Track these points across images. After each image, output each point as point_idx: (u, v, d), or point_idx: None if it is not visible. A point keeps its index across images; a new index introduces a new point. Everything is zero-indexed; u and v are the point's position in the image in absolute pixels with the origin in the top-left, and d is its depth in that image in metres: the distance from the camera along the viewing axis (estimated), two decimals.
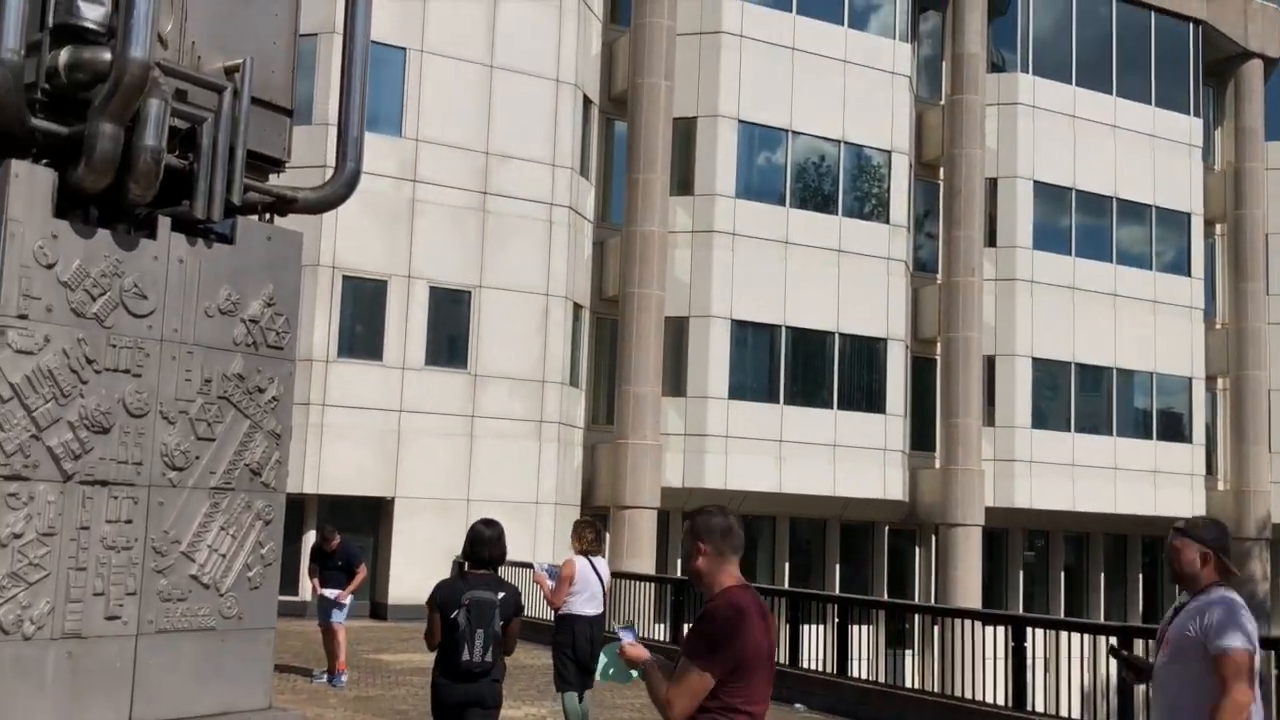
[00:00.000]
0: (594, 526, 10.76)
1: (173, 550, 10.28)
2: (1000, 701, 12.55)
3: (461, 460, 24.49)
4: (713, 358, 27.97)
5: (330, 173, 12.83)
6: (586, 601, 10.33)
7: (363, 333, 24.37)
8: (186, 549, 10.37)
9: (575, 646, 10.23)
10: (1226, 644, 4.53)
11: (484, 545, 7.30)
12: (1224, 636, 4.54)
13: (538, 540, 24.32)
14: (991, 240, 32.51)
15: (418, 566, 23.16)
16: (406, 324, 24.30)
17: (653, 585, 18.66)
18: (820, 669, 14.72)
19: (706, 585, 4.36)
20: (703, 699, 4.20)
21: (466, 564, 7.28)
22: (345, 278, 23.88)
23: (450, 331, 25.16)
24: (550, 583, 9.12)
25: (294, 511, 21.58)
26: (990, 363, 31.98)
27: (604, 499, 27.14)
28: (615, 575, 19.29)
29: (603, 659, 4.51)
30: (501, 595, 7.22)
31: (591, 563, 10.61)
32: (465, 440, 24.63)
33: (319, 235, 23.13)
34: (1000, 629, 13.86)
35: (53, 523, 9.51)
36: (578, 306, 27.00)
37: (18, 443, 9.35)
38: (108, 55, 9.52)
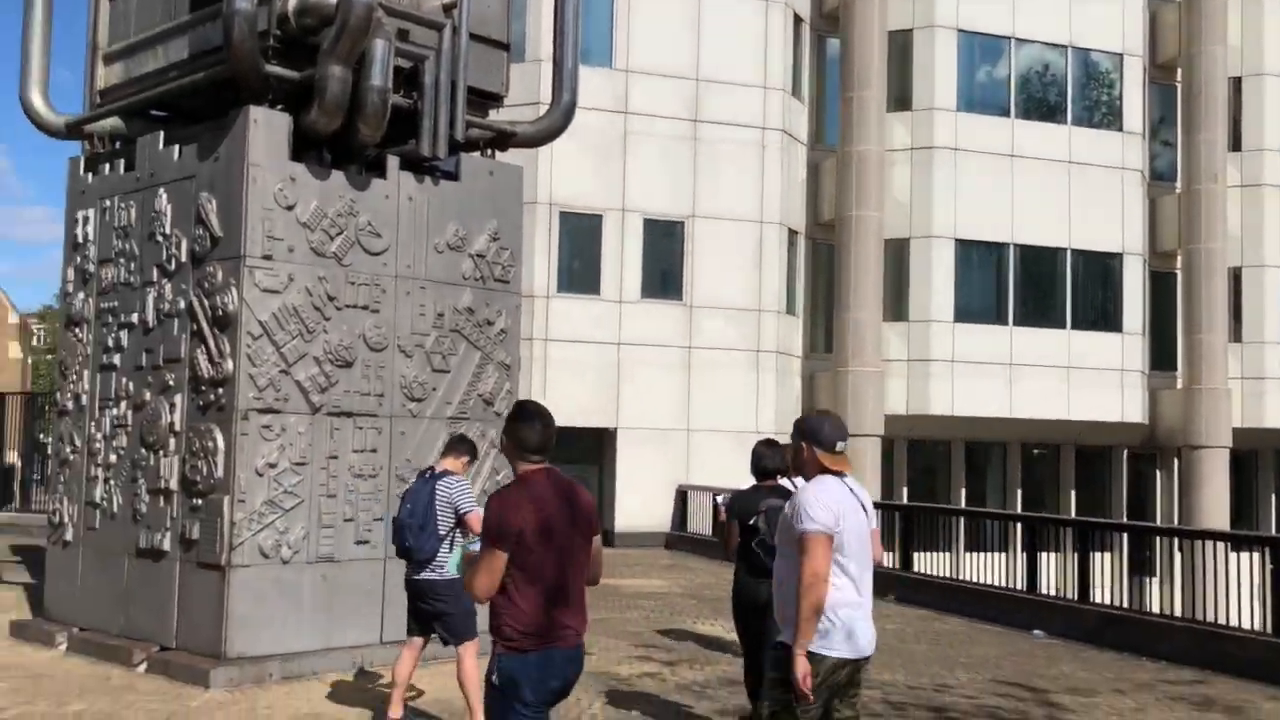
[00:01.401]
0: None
1: (415, 478, 10.64)
2: (1259, 627, 11.85)
3: (680, 391, 24.60)
4: (936, 280, 27.16)
5: (544, 109, 12.95)
6: None
7: (580, 268, 24.65)
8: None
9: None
10: (803, 526, 5.15)
11: (769, 459, 7.98)
12: (801, 521, 5.16)
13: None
14: (1236, 144, 30.34)
15: (640, 496, 23.48)
16: (622, 257, 24.45)
17: (878, 512, 18.35)
18: (1059, 595, 14.22)
19: (513, 471, 5.01)
20: (500, 575, 4.69)
21: (755, 477, 8.05)
22: (562, 214, 24.16)
23: (665, 263, 25.19)
24: (722, 500, 9.27)
25: None
26: (1236, 275, 30.01)
27: None
28: None
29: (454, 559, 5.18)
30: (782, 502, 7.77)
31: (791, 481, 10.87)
32: (683, 371, 24.72)
33: (535, 173, 23.44)
34: (1255, 553, 13.11)
35: (304, 453, 9.99)
36: (793, 232, 26.62)
37: (269, 378, 9.83)
38: (333, 0, 9.76)
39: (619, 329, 24.36)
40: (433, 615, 7.86)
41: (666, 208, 24.76)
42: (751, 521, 7.72)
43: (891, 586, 15.80)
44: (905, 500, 26.64)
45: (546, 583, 4.74)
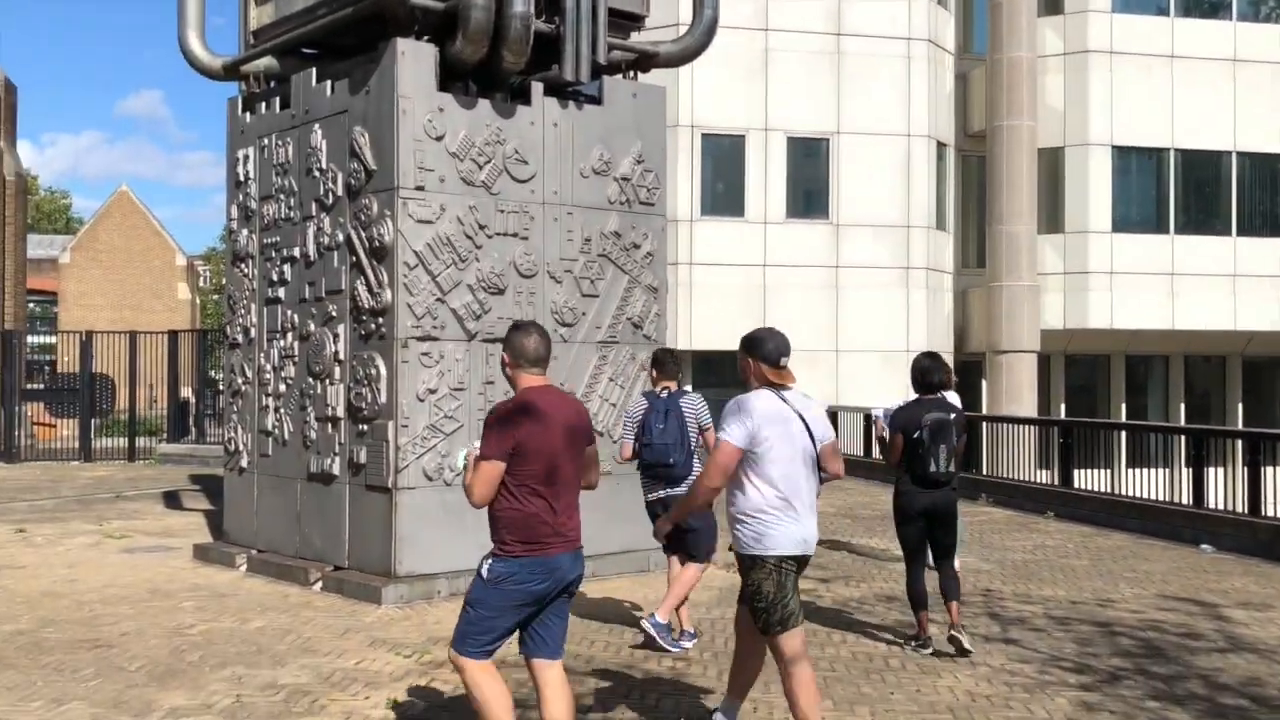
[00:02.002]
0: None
1: None
2: None
3: (828, 311, 24.38)
4: (1093, 189, 26.22)
5: (684, 29, 12.83)
6: None
7: (723, 190, 24.52)
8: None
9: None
10: (718, 434, 5.61)
11: (931, 373, 8.12)
12: (719, 428, 5.60)
13: (909, 390, 23.95)
14: None
15: None
16: (766, 177, 24.21)
17: (1035, 429, 17.99)
18: (1228, 509, 13.76)
19: (513, 389, 5.28)
20: (497, 483, 5.00)
21: (918, 391, 8.19)
22: (704, 136, 24.01)
23: (810, 182, 24.87)
24: (877, 413, 9.18)
25: None
26: None
27: (978, 344, 26.34)
28: (993, 420, 18.74)
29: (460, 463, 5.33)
30: (953, 415, 8.09)
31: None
32: (830, 291, 24.47)
33: (677, 95, 23.30)
34: None
35: (461, 378, 10.25)
36: (941, 145, 25.94)
37: (425, 306, 10.08)
38: None
39: (764, 250, 24.21)
40: (685, 532, 7.88)
41: (810, 125, 24.38)
42: (916, 434, 7.89)
43: (1050, 503, 15.52)
44: (1063, 416, 26.01)
45: (540, 492, 5.04)
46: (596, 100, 11.28)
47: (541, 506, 5.03)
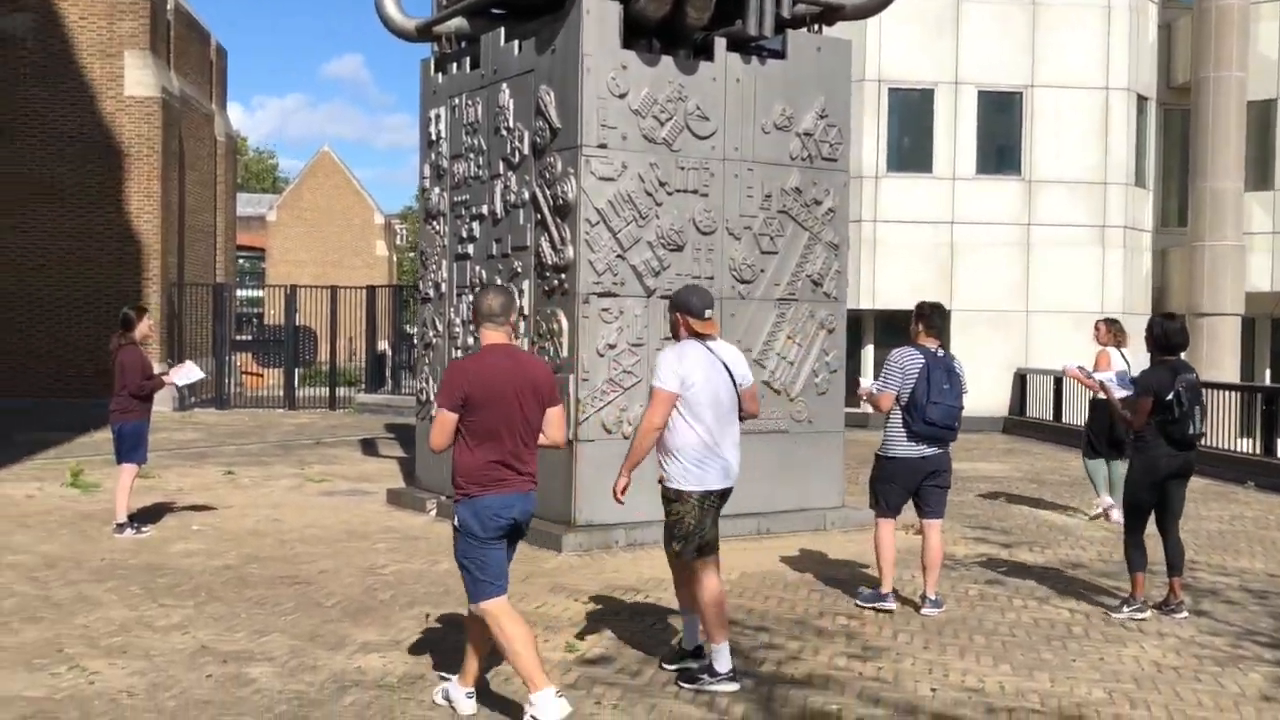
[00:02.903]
0: (1115, 323, 12.34)
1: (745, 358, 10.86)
2: None
3: (1018, 270, 23.66)
4: None
5: None
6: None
7: (910, 145, 23.98)
8: (757, 357, 10.93)
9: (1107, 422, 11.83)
10: (652, 383, 6.14)
11: (1177, 335, 8.02)
12: (654, 377, 6.13)
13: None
14: None
15: (976, 380, 22.78)
16: (955, 133, 23.57)
17: (1238, 395, 17.14)
18: None
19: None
20: (450, 431, 5.47)
21: (1158, 352, 8.01)
22: (891, 90, 23.51)
23: (1001, 137, 24.10)
24: (1120, 391, 8.77)
25: (851, 328, 22.05)
26: None
27: (1177, 307, 25.16)
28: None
29: None
30: (1196, 375, 8.10)
31: (1123, 355, 11.94)
32: (1021, 250, 23.72)
33: (863, 49, 22.87)
34: None
35: (640, 334, 10.39)
36: (1142, 98, 24.76)
37: (606, 262, 10.24)
38: None
39: (952, 208, 23.62)
40: (939, 487, 7.91)
41: (1002, 78, 23.60)
42: (1170, 396, 7.72)
43: (1250, 473, 14.80)
44: (1268, 382, 24.69)
45: (490, 440, 5.47)
46: (780, 55, 11.20)
47: (491, 452, 5.47)
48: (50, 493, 12.81)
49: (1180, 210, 26.03)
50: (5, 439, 17.64)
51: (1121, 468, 11.33)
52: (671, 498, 6.21)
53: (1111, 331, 12.09)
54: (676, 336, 6.29)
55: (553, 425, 5.70)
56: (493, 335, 5.64)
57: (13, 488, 13.09)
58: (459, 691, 5.73)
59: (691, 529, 6.17)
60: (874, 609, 7.89)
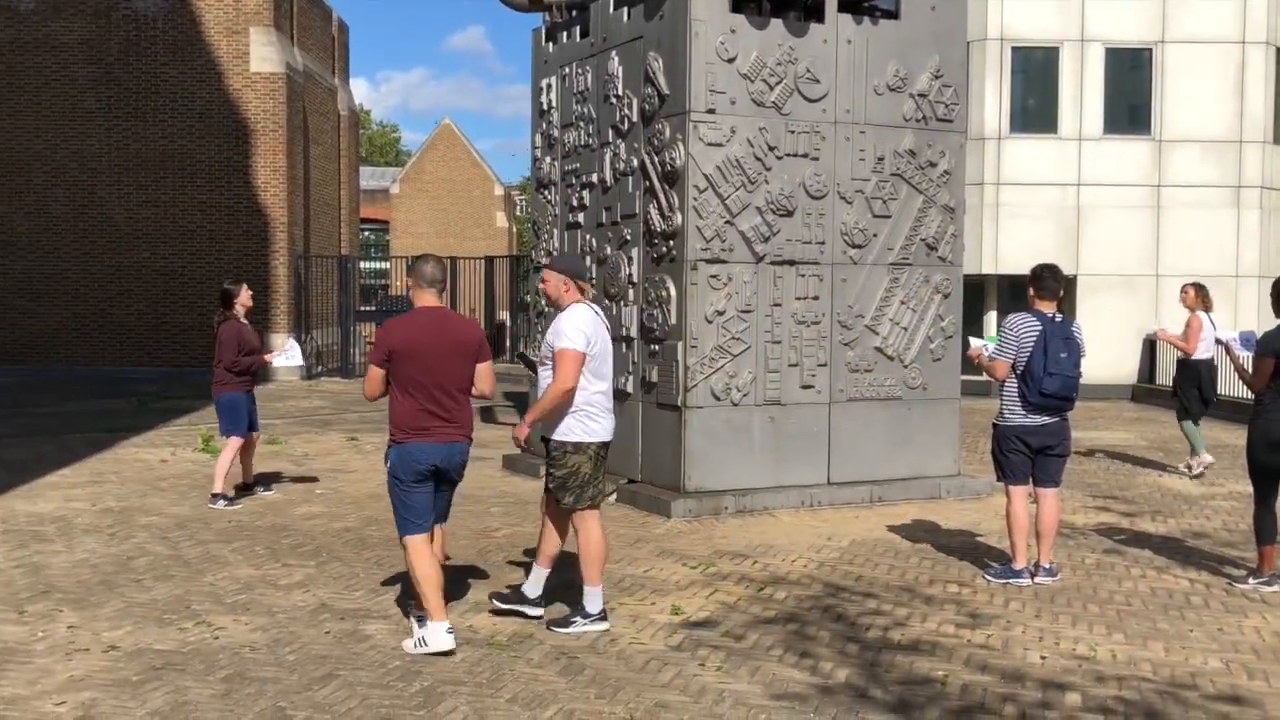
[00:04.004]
0: (1203, 288, 12.76)
1: (857, 324, 10.77)
2: None
3: (1148, 233, 22.90)
4: None
5: None
6: (1204, 350, 12.60)
7: (1035, 105, 23.34)
8: (870, 323, 10.81)
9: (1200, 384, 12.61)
10: (560, 345, 6.42)
11: None
12: (559, 340, 6.43)
13: (1239, 317, 22.27)
14: None
15: (1105, 346, 22.19)
16: (1081, 91, 22.86)
17: None
18: None
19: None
20: (378, 384, 6.21)
21: None
22: (1014, 49, 22.88)
23: (1130, 95, 23.30)
24: (1243, 353, 8.34)
25: (973, 293, 21.60)
26: None
27: None
28: None
29: None
30: None
31: (1210, 319, 12.47)
32: (1151, 212, 22.95)
33: (985, 7, 22.31)
34: None
35: (749, 301, 10.36)
36: None
37: (714, 229, 10.22)
38: None
39: (1079, 169, 22.95)
40: (1057, 456, 7.77)
41: (1131, 34, 22.80)
42: None
43: None
44: None
45: (417, 391, 6.12)
46: (893, 14, 10.99)
47: (416, 402, 6.12)
48: (182, 458, 13.32)
49: None
50: (143, 407, 18.39)
51: (1192, 428, 12.58)
52: (570, 450, 6.52)
53: (1200, 296, 12.63)
54: (559, 303, 6.66)
55: (482, 379, 6.34)
56: (426, 298, 6.29)
57: (149, 453, 13.65)
58: (436, 629, 6.11)
59: (587, 479, 6.55)
60: (1007, 584, 7.69)
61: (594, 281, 11.52)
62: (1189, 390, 12.63)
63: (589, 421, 6.55)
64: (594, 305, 6.76)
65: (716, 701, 5.45)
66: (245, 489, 10.81)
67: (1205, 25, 22.65)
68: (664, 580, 7.77)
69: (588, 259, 11.63)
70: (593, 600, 6.61)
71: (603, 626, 6.57)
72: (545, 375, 6.65)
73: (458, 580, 7.72)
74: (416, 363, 6.12)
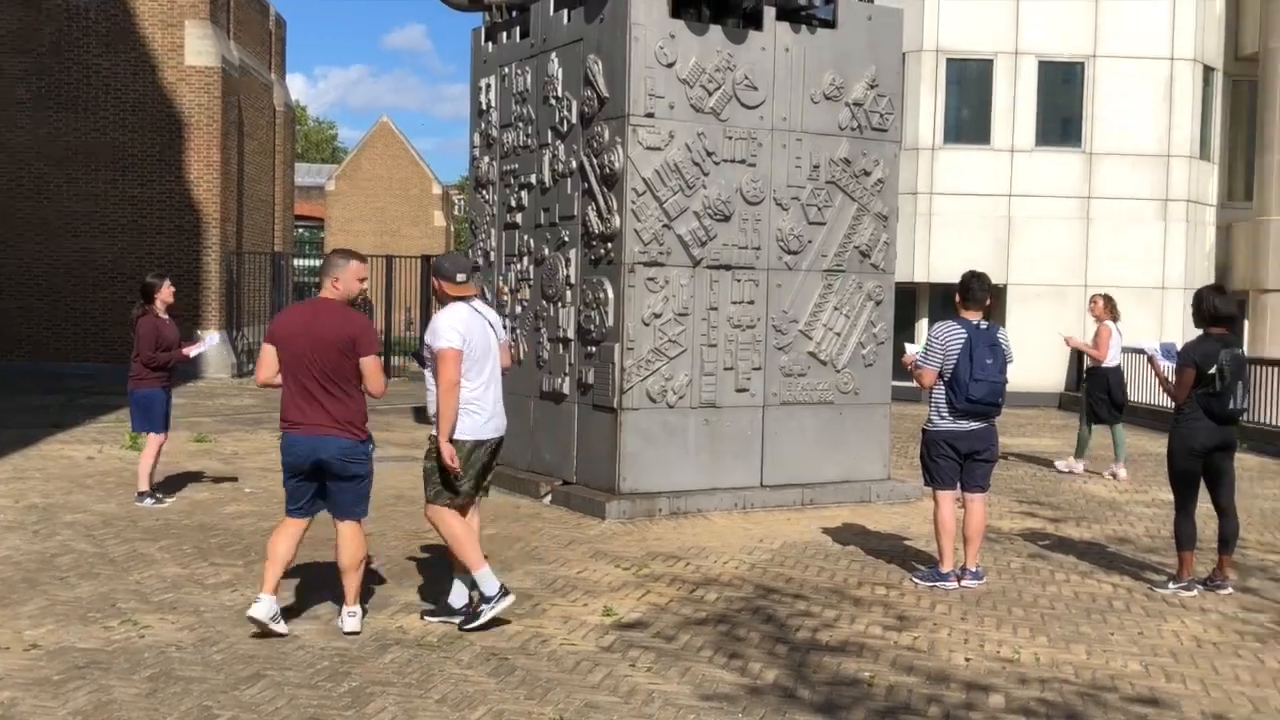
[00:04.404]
0: (1111, 299, 13.31)
1: (791, 329, 10.87)
2: None
3: (1077, 244, 23.34)
4: None
5: None
6: (1113, 358, 13.15)
7: (968, 116, 23.70)
8: (804, 328, 10.92)
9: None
10: (439, 345, 6.48)
11: (1224, 307, 7.88)
12: (437, 340, 6.49)
13: (1164, 328, 22.77)
14: None
15: (1034, 355, 22.60)
16: (1014, 104, 23.25)
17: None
18: None
19: None
20: (266, 364, 6.38)
21: (1205, 324, 7.89)
22: (949, 60, 23.22)
23: (1062, 108, 23.74)
24: (1165, 363, 8.49)
25: (905, 301, 21.87)
26: None
27: (1241, 282, 24.70)
28: (1254, 362, 17.62)
29: None
30: (1242, 350, 8.09)
31: (1118, 328, 13.10)
32: (1081, 223, 23.39)
33: (921, 19, 22.61)
34: None
35: (686, 304, 10.41)
36: (1208, 69, 24.26)
37: (652, 232, 10.26)
38: None
39: (1010, 180, 23.33)
40: (985, 461, 7.86)
41: (1064, 48, 23.23)
42: (1212, 370, 7.63)
43: None
44: None
45: (290, 381, 6.33)
46: (830, 24, 11.12)
47: (290, 393, 6.34)
48: (109, 454, 13.11)
49: (1246, 184, 25.51)
50: (70, 403, 18.06)
51: (1122, 431, 13.25)
52: (434, 448, 6.56)
53: (1109, 306, 13.17)
54: (442, 301, 6.72)
55: (366, 377, 6.39)
56: (325, 290, 6.45)
57: (74, 449, 13.42)
58: (263, 599, 6.35)
59: (459, 476, 6.56)
60: (934, 587, 7.81)
61: (531, 282, 11.53)
62: (1099, 396, 13.14)
63: (465, 419, 6.56)
64: (477, 304, 6.79)
65: (646, 702, 5.48)
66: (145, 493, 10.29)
67: (1136, 41, 23.14)
68: (596, 582, 7.79)
69: (525, 259, 11.63)
70: (486, 582, 6.56)
71: (509, 601, 6.58)
72: (428, 377, 6.67)
73: (389, 581, 7.68)
74: (287, 352, 6.30)
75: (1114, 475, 13.04)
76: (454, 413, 6.51)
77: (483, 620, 6.52)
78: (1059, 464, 13.68)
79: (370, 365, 6.37)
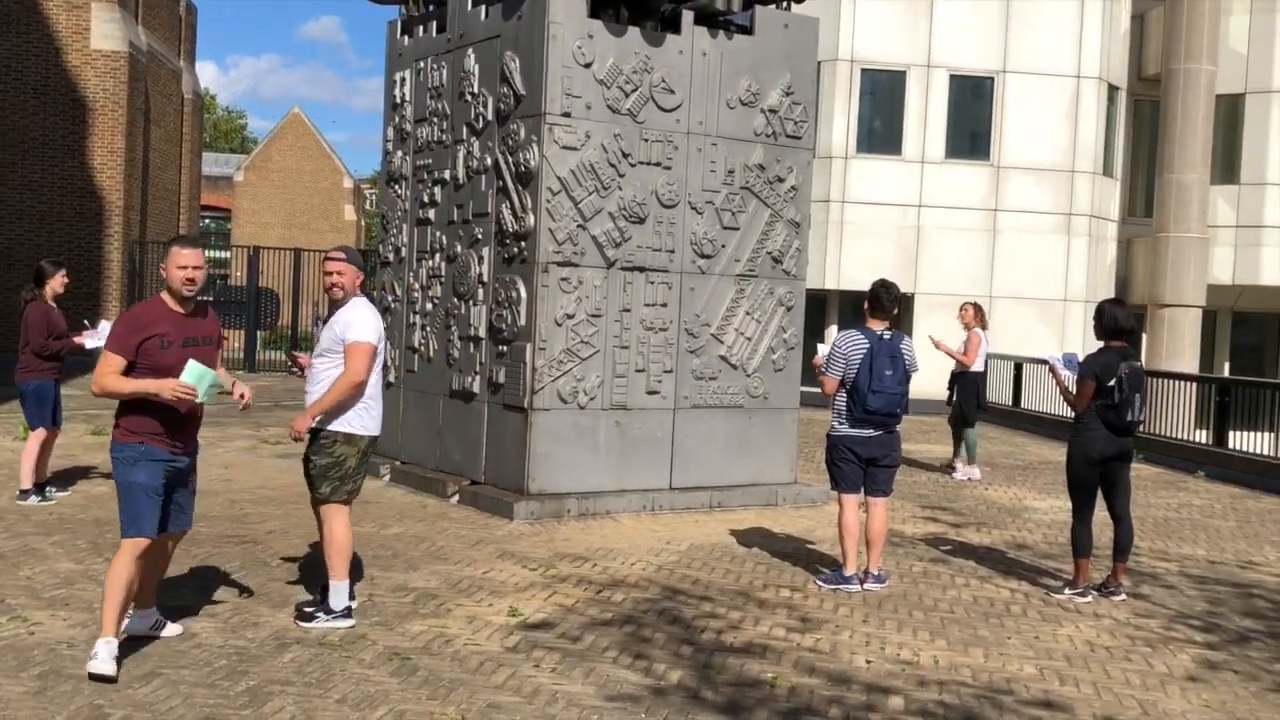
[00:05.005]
0: (980, 308, 14.21)
1: (703, 332, 10.92)
2: None
3: (983, 256, 23.82)
4: (1274, 139, 24.90)
5: None
6: (980, 363, 14.04)
7: (881, 127, 24.06)
8: (715, 331, 10.98)
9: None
10: (354, 338, 6.43)
11: (1124, 319, 8.04)
12: (353, 333, 6.44)
13: (1066, 339, 23.34)
14: None
15: (937, 365, 23.02)
16: (926, 116, 23.67)
17: (1194, 386, 17.34)
18: None
19: None
20: (118, 370, 5.87)
21: (1106, 337, 8.05)
22: (863, 71, 23.56)
23: (972, 122, 24.22)
24: (1066, 373, 8.64)
25: (816, 307, 22.12)
26: None
27: (1140, 296, 25.43)
28: (1150, 374, 18.12)
29: (208, 382, 5.86)
30: (1140, 363, 8.21)
31: (985, 335, 13.85)
32: (987, 235, 23.88)
33: (836, 29, 22.90)
34: None
35: (599, 305, 10.40)
36: (1113, 88, 24.94)
37: (567, 232, 10.23)
38: None
39: (920, 191, 23.74)
40: (886, 467, 7.96)
41: (974, 63, 23.71)
42: (1111, 382, 7.78)
43: (1202, 463, 15.01)
44: (1226, 375, 24.99)
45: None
46: (747, 30, 11.19)
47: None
48: (1, 446, 12.71)
49: (1146, 201, 26.27)
50: None
51: (974, 433, 14.07)
52: (340, 440, 6.49)
53: (978, 314, 14.04)
54: (349, 295, 6.57)
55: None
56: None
57: None
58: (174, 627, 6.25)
59: (350, 472, 6.55)
60: (837, 590, 7.89)
61: (442, 279, 11.43)
62: (970, 400, 13.82)
63: (366, 416, 6.56)
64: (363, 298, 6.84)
65: (549, 703, 5.46)
66: (38, 489, 9.89)
67: (1043, 58, 23.69)
68: (503, 582, 7.74)
69: (437, 256, 11.53)
70: (338, 596, 6.50)
71: (348, 623, 6.45)
72: (324, 367, 6.54)
73: (286, 579, 7.56)
74: (166, 350, 6.03)
75: (970, 479, 13.71)
76: (343, 404, 6.45)
77: (313, 627, 6.40)
78: (957, 474, 13.92)
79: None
